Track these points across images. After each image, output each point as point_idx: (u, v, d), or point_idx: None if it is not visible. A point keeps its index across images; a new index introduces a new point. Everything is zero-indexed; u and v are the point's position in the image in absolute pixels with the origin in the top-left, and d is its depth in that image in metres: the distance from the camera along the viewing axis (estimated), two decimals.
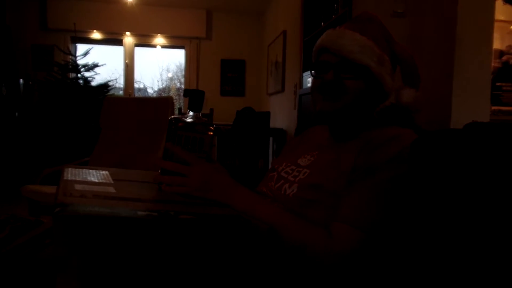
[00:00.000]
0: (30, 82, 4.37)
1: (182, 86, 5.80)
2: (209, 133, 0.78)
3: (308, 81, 3.02)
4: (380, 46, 0.84)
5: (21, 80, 4.24)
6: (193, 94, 0.80)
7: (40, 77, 4.21)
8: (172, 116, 0.77)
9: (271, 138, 4.14)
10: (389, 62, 0.85)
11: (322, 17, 2.85)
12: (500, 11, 3.19)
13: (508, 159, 0.49)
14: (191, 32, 5.12)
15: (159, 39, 5.19)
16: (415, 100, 0.84)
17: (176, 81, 7.33)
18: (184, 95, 0.84)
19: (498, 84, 3.39)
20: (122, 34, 5.08)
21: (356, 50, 0.81)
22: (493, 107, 3.21)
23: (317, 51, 0.90)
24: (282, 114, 4.11)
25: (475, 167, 0.53)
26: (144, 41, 5.20)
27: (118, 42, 5.14)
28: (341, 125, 0.87)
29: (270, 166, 1.01)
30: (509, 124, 0.52)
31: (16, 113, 4.12)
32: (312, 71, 0.90)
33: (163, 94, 7.29)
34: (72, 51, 4.33)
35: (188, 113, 0.80)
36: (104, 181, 0.79)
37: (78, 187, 0.69)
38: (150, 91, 7.29)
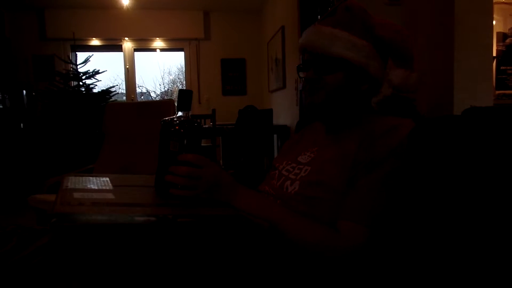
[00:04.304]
0: (33, 93, 4.41)
1: (184, 88, 5.80)
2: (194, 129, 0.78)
3: None
4: (357, 33, 0.83)
5: (24, 91, 4.27)
6: (180, 94, 0.80)
7: (42, 87, 4.24)
8: (165, 119, 0.77)
9: (275, 135, 4.13)
10: (371, 47, 0.83)
11: (318, 9, 2.83)
12: None
13: (507, 144, 0.47)
14: (190, 33, 5.11)
15: (158, 43, 5.19)
16: (407, 80, 0.83)
17: (178, 83, 7.35)
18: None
19: (502, 68, 3.33)
20: (121, 39, 5.09)
21: (327, 44, 0.81)
22: (498, 92, 3.17)
23: (301, 51, 0.91)
24: (284, 111, 4.10)
25: (474, 153, 0.51)
26: (143, 45, 5.20)
27: (118, 48, 5.16)
28: (330, 117, 0.88)
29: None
30: (508, 108, 0.50)
31: (21, 125, 4.16)
32: (299, 72, 0.91)
33: (165, 97, 7.31)
34: (73, 60, 4.35)
35: (177, 113, 0.80)
36: (103, 187, 0.78)
37: (76, 195, 0.68)
38: (153, 94, 7.31)
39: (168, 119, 0.77)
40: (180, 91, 0.79)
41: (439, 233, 0.57)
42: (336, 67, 0.82)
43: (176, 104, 0.81)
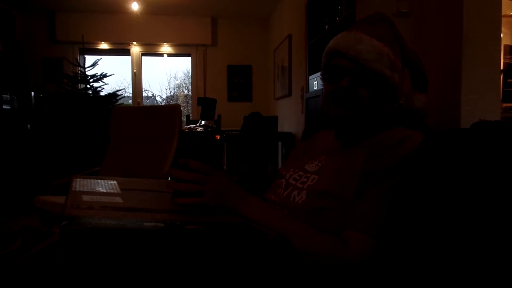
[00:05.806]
0: (41, 95, 4.45)
1: (190, 93, 5.84)
2: (217, 136, 0.77)
3: (315, 84, 3.01)
4: (395, 51, 0.82)
5: (32, 93, 4.32)
6: (204, 102, 0.79)
7: (50, 89, 4.29)
8: (185, 127, 0.76)
9: (279, 143, 4.13)
10: (401, 68, 0.84)
11: (326, 19, 2.84)
12: (509, 6, 3.15)
13: None
14: (197, 39, 5.16)
15: (166, 48, 5.24)
16: (426, 105, 0.84)
17: (183, 89, 7.39)
18: (198, 104, 0.83)
19: (509, 80, 3.32)
20: (129, 44, 5.15)
21: (373, 58, 0.78)
22: (505, 104, 3.16)
23: (329, 54, 0.87)
24: (290, 118, 4.11)
25: (483, 167, 0.51)
26: (151, 50, 5.26)
27: (126, 52, 5.21)
28: (352, 130, 0.86)
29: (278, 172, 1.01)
30: None
31: (28, 125, 4.20)
32: (325, 77, 0.87)
33: (171, 102, 7.34)
34: (81, 63, 4.41)
35: (200, 122, 0.79)
36: (111, 191, 0.79)
37: (85, 198, 0.69)
38: (158, 99, 7.36)
39: (186, 128, 0.76)
40: (203, 99, 0.77)
41: (447, 246, 0.56)
42: (374, 82, 0.80)
43: (181, 111, 0.80)
